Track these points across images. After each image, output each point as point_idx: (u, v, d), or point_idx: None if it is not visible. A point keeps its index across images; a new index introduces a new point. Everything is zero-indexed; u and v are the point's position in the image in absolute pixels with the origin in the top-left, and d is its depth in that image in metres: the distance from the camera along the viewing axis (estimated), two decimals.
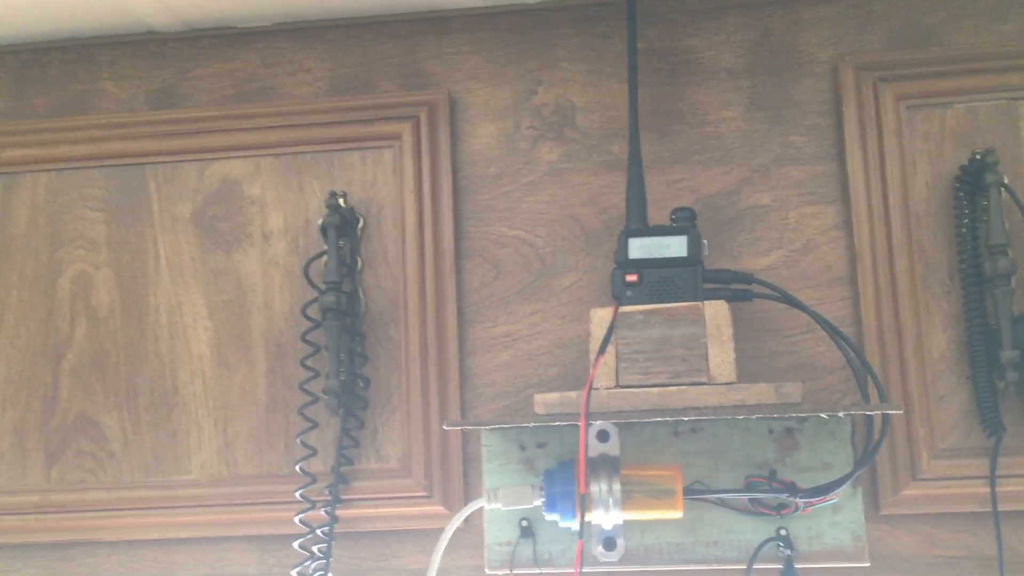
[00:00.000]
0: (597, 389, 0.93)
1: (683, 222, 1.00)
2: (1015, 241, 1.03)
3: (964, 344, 1.04)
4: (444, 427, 1.03)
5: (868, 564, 0.99)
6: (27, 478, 1.12)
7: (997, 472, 1.00)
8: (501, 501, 0.98)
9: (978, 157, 1.03)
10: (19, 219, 1.17)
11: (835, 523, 1.00)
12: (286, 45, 1.19)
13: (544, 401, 0.94)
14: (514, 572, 1.03)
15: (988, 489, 1.00)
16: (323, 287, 1.08)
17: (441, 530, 0.99)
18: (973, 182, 1.04)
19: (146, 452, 1.12)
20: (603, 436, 1.02)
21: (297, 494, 1.06)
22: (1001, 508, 1.00)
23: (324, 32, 1.18)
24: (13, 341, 1.15)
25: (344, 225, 1.11)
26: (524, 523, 1.03)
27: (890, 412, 0.94)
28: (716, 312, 0.95)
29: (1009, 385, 1.01)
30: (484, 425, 0.96)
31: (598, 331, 0.96)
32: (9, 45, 1.22)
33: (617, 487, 0.95)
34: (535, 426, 1.02)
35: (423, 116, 1.13)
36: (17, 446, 1.13)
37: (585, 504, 0.92)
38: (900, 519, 1.03)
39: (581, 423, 0.87)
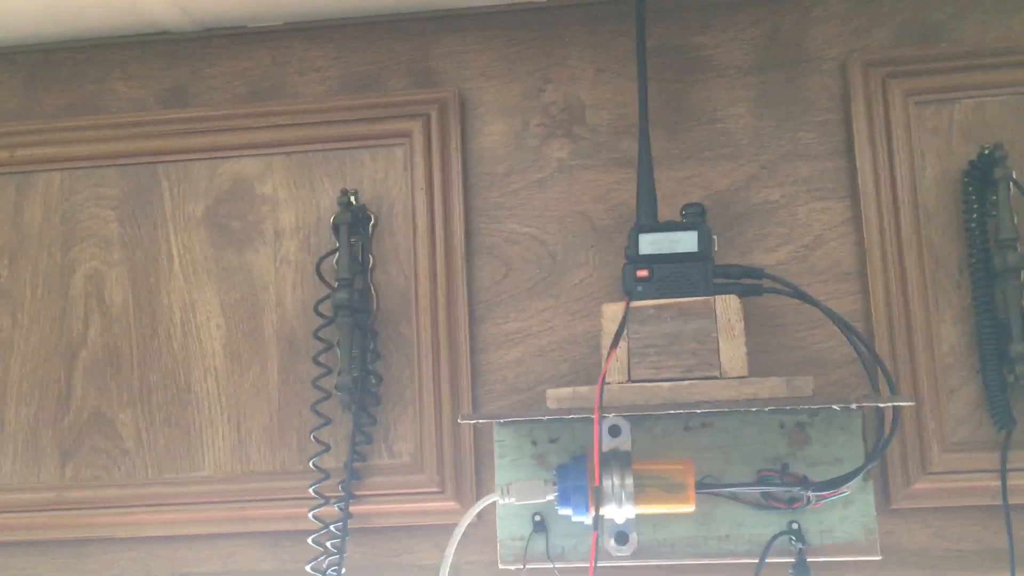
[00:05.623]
0: (609, 384, 0.94)
1: (693, 218, 1.01)
2: None
3: (974, 338, 1.04)
4: (459, 420, 1.03)
5: (879, 557, 1.00)
6: (42, 475, 1.13)
7: (1008, 466, 1.01)
8: (514, 496, 0.98)
9: (987, 152, 1.04)
10: (33, 218, 1.18)
11: (846, 517, 1.00)
12: (297, 44, 1.20)
13: (556, 396, 0.95)
14: (527, 567, 1.03)
15: (999, 482, 1.01)
16: (335, 284, 1.09)
17: (454, 525, 1.00)
18: (982, 177, 1.04)
19: (160, 449, 1.12)
20: (615, 431, 1.02)
21: (311, 490, 1.06)
22: (1011, 501, 1.00)
23: (334, 31, 1.19)
24: (27, 339, 1.16)
25: (355, 223, 1.11)
26: (537, 518, 1.03)
27: (902, 404, 0.95)
28: (727, 306, 0.95)
29: (1019, 379, 1.01)
30: (498, 418, 0.97)
31: (610, 326, 0.97)
32: (20, 46, 1.23)
33: (629, 481, 0.95)
34: (548, 420, 1.02)
35: (433, 114, 1.14)
36: (32, 444, 1.14)
37: (599, 497, 0.92)
38: (911, 512, 1.04)
39: (595, 417, 0.88)
